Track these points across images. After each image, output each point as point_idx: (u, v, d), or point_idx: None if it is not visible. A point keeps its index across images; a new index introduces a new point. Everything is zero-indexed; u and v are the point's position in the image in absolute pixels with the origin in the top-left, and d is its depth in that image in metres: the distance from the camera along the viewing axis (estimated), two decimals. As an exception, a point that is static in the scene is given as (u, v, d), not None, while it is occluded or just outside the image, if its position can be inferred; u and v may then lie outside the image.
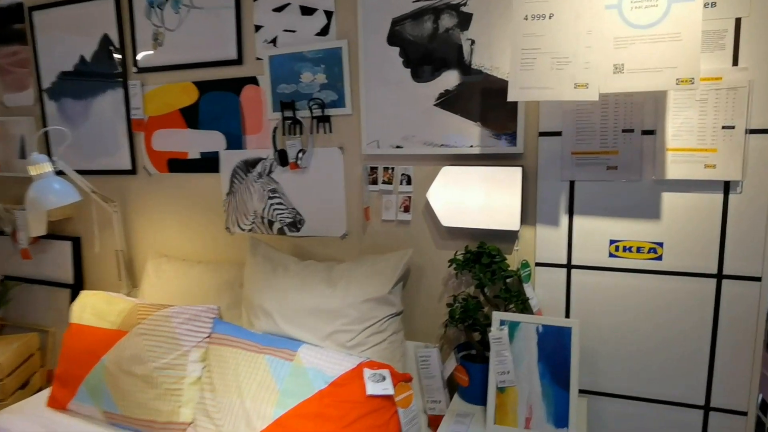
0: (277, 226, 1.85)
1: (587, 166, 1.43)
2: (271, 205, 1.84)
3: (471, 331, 1.53)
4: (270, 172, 1.83)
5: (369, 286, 1.55)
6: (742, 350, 1.36)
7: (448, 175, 1.53)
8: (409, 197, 1.65)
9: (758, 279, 1.32)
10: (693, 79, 1.11)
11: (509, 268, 1.49)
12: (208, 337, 1.60)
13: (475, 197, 1.49)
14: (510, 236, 1.55)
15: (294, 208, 1.81)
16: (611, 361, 1.48)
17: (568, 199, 1.46)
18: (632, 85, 1.16)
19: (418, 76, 1.57)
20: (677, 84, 1.13)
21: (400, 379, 1.46)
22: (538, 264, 1.52)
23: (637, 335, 1.44)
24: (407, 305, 1.70)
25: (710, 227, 1.35)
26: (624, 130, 1.38)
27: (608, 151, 1.41)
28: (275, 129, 1.77)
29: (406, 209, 1.66)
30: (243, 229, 1.92)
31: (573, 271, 1.49)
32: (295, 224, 1.82)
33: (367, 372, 1.43)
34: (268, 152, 1.82)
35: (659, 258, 1.40)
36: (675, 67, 1.12)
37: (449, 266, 1.58)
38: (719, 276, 1.36)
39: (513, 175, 1.46)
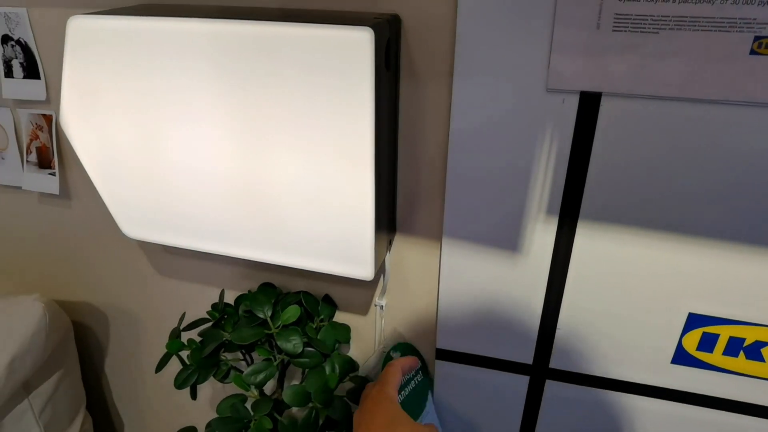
0: None
1: (670, 39, 0.33)
2: None
3: None
4: None
5: None
6: None
7: (102, 41, 0.37)
8: (48, 118, 0.50)
9: None
10: None
11: (354, 374, 0.46)
12: None
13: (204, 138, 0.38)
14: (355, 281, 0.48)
15: None
16: None
17: (567, 162, 0.38)
18: None
19: None
20: None
21: None
22: (442, 356, 0.48)
23: None
24: None
25: None
26: None
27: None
28: None
29: (44, 158, 0.52)
30: None
31: (550, 384, 0.47)
32: None
33: None
34: None
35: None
36: None
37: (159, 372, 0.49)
38: None
39: (339, 60, 0.33)
